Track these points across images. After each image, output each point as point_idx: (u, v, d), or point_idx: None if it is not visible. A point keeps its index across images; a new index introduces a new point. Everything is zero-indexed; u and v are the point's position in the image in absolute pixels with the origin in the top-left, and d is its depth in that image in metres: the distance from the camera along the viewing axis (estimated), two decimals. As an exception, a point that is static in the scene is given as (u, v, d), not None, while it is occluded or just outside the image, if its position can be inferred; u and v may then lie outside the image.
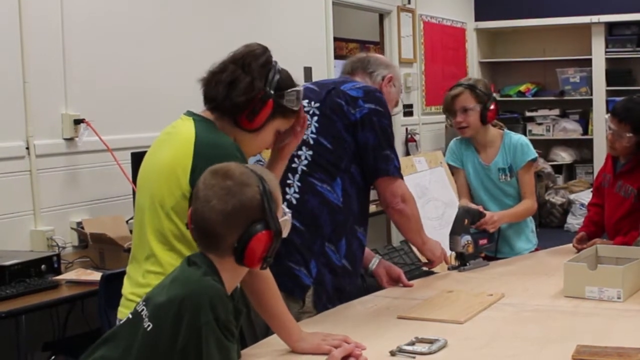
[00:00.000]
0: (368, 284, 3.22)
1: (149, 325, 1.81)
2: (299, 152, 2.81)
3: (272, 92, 2.33)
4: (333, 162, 2.82)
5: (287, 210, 2.01)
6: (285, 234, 1.96)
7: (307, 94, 2.90)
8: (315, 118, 2.84)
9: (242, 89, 2.31)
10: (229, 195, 1.85)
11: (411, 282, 3.08)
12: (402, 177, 2.94)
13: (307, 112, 2.85)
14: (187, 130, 2.30)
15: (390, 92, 3.07)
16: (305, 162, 2.81)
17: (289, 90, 2.40)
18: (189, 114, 2.38)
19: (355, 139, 2.84)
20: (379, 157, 2.85)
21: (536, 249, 3.76)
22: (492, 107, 3.58)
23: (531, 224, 3.79)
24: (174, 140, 2.31)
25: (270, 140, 2.47)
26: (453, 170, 3.85)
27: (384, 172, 2.87)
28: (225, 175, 1.88)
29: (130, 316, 1.89)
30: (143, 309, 1.85)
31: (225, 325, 1.80)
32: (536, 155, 3.69)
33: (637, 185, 3.45)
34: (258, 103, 2.33)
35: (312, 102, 2.88)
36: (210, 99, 2.35)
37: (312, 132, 2.83)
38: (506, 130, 3.74)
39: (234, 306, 1.89)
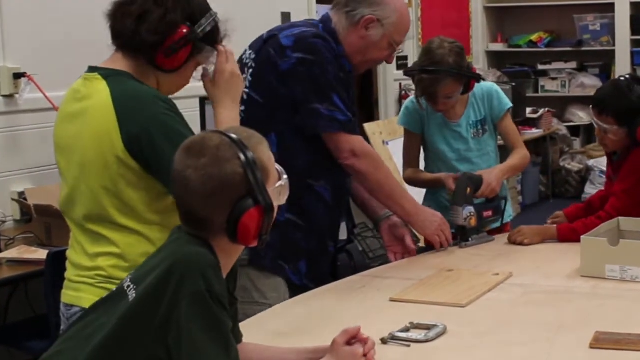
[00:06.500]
0: (357, 263, 3.24)
1: (132, 296, 1.84)
2: None
3: (189, 24, 2.32)
4: (265, 118, 2.86)
5: (281, 169, 2.00)
6: (282, 201, 1.99)
7: (252, 42, 3.01)
8: (251, 71, 2.94)
9: (153, 23, 2.29)
10: (205, 176, 1.86)
11: (412, 246, 3.13)
12: (346, 130, 2.94)
13: (246, 64, 2.95)
14: (100, 94, 2.28)
15: (369, 35, 3.01)
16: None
17: (206, 18, 2.37)
18: (94, 70, 2.35)
19: (289, 91, 2.90)
20: (306, 113, 2.91)
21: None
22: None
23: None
24: (90, 111, 2.29)
25: (191, 76, 2.47)
26: (407, 134, 3.61)
27: (311, 129, 2.93)
28: (199, 152, 1.88)
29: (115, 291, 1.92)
30: (130, 285, 1.88)
31: (218, 298, 1.80)
32: (511, 104, 3.58)
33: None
34: (177, 40, 2.31)
35: (251, 53, 2.97)
36: (116, 35, 2.33)
37: (245, 87, 2.89)
38: None
39: (227, 289, 1.90)
